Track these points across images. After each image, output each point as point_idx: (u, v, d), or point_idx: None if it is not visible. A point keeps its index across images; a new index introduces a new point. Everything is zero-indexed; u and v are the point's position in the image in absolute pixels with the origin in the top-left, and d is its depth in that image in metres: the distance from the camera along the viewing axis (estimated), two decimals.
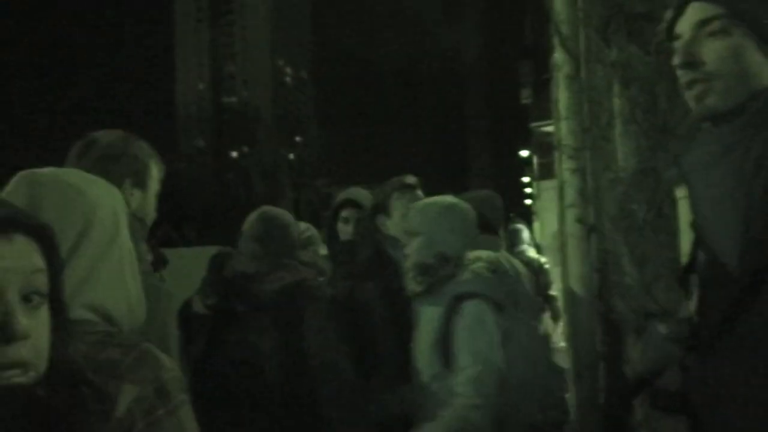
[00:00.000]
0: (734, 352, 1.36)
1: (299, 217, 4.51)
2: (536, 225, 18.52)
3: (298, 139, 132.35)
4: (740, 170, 1.37)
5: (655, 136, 2.41)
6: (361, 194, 3.56)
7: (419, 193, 3.11)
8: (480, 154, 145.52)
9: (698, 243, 1.51)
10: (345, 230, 3.49)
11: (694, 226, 1.51)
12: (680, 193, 1.89)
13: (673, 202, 2.13)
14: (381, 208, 3.10)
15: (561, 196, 2.89)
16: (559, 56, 2.85)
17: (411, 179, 3.12)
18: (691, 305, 1.53)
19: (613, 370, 2.65)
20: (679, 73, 1.47)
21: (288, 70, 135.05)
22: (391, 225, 3.05)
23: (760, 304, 1.32)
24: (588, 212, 2.78)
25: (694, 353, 1.48)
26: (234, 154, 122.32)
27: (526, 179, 30.82)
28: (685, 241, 1.81)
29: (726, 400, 1.37)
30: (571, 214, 2.81)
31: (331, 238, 3.53)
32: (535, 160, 21.92)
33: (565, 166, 2.83)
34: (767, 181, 1.33)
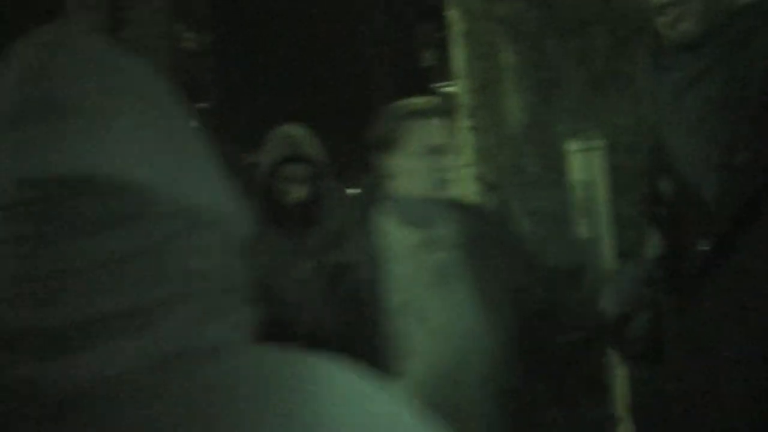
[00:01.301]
0: (720, 299, 1.27)
1: None
2: None
3: (203, 105, 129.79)
4: (718, 96, 1.30)
5: (545, 90, 2.41)
6: (307, 141, 2.59)
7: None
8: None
9: (662, 175, 1.42)
10: (290, 191, 2.56)
11: (658, 157, 1.42)
12: (572, 146, 1.89)
13: (564, 156, 2.15)
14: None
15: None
16: (452, 14, 2.84)
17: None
18: (658, 243, 1.44)
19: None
20: None
21: (188, 34, 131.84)
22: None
23: (745, 245, 1.25)
24: (486, 170, 2.79)
25: (671, 297, 1.39)
26: None
27: None
28: (578, 194, 1.83)
29: (708, 351, 1.28)
30: (470, 173, 2.82)
31: (272, 205, 2.56)
32: None
33: (462, 124, 2.83)
34: (754, 105, 1.27)
